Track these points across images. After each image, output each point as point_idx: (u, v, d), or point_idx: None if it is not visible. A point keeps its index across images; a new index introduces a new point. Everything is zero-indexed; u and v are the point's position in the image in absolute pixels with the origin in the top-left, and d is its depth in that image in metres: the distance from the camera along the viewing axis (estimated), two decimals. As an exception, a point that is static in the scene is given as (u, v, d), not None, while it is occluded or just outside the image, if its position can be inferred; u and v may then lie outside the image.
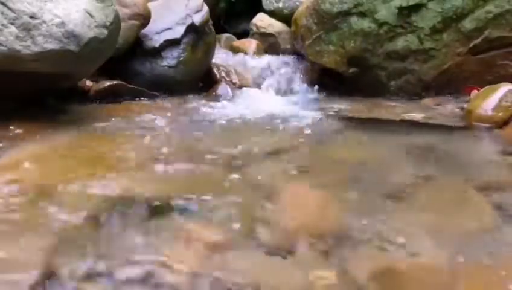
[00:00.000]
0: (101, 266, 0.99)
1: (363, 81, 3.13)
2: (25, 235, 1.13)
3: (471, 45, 2.90)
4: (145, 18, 3.00)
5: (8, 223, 1.19)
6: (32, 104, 2.25)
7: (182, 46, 3.07)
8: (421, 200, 1.42)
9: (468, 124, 2.38)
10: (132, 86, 2.79)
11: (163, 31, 3.09)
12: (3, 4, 1.96)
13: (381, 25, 3.01)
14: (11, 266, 1.00)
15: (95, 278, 0.96)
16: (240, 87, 3.25)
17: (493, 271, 1.04)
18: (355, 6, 3.05)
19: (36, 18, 1.99)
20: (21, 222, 1.20)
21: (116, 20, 2.28)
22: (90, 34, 2.10)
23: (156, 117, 2.39)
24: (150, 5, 3.12)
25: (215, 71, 3.34)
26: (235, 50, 3.83)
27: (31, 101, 2.25)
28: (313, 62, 3.29)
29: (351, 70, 3.14)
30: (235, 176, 1.55)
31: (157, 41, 3.04)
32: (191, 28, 3.11)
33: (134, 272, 0.98)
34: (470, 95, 2.74)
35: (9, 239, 1.11)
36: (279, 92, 3.24)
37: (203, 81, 3.23)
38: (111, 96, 2.68)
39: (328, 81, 3.26)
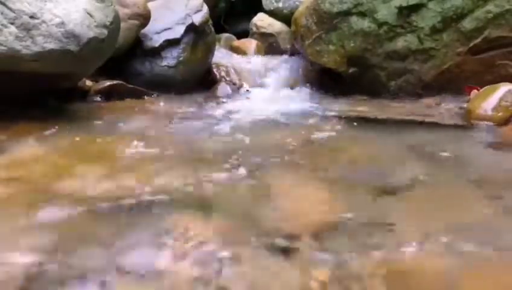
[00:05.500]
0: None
1: (363, 81, 3.13)
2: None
3: (471, 44, 2.90)
4: (145, 18, 3.00)
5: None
6: (32, 104, 2.25)
7: (181, 46, 3.07)
8: (421, 198, 1.42)
9: (468, 124, 2.38)
10: (132, 86, 2.79)
11: (163, 31, 3.09)
12: (3, 4, 1.96)
13: (381, 25, 3.01)
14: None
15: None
16: (240, 87, 3.25)
17: (492, 265, 1.04)
18: (355, 6, 3.05)
19: (36, 18, 1.99)
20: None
21: (116, 20, 2.28)
22: (90, 34, 2.10)
23: (155, 117, 2.39)
24: (150, 5, 3.12)
25: (215, 71, 3.34)
26: (235, 50, 3.83)
27: (31, 101, 2.25)
28: (313, 62, 3.28)
29: (351, 70, 3.14)
30: (235, 174, 1.56)
31: (157, 41, 3.05)
32: (191, 28, 3.11)
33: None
34: (470, 95, 2.74)
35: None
36: (278, 91, 3.23)
37: (203, 81, 3.23)
38: (111, 96, 2.68)
39: (328, 81, 3.26)
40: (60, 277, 0.96)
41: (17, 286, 0.92)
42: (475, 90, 2.72)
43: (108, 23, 2.19)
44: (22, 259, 1.01)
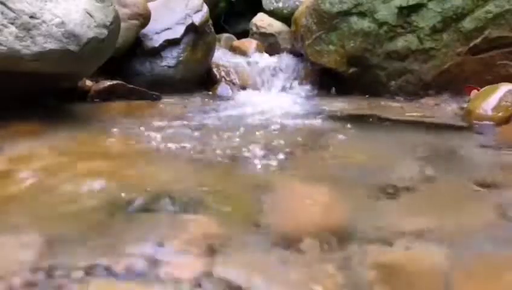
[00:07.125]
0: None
1: (363, 81, 3.13)
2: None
3: (471, 44, 2.90)
4: (145, 18, 3.00)
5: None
6: (32, 104, 2.25)
7: (181, 46, 3.07)
8: (421, 198, 1.42)
9: (468, 124, 2.38)
10: (132, 86, 2.79)
11: (163, 31, 3.09)
12: (3, 4, 1.96)
13: (381, 25, 3.01)
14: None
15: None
16: (240, 87, 3.25)
17: (492, 268, 1.04)
18: (355, 6, 3.05)
19: (36, 18, 1.99)
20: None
21: (116, 20, 2.28)
22: (90, 34, 2.10)
23: (155, 116, 2.39)
24: (150, 5, 3.12)
25: (215, 71, 3.34)
26: (235, 50, 3.82)
27: (31, 101, 2.26)
28: (313, 62, 3.29)
29: (351, 70, 3.14)
30: (235, 173, 1.56)
31: (157, 41, 3.05)
32: (191, 28, 3.11)
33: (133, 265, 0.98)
34: (470, 95, 2.74)
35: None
36: (278, 91, 3.24)
37: (202, 81, 3.23)
38: (111, 96, 2.68)
39: (328, 81, 3.26)
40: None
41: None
42: (475, 90, 2.72)
43: (108, 23, 2.19)
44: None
